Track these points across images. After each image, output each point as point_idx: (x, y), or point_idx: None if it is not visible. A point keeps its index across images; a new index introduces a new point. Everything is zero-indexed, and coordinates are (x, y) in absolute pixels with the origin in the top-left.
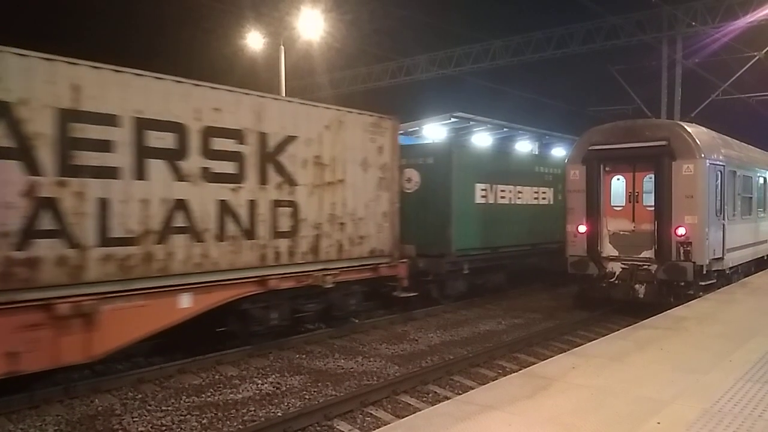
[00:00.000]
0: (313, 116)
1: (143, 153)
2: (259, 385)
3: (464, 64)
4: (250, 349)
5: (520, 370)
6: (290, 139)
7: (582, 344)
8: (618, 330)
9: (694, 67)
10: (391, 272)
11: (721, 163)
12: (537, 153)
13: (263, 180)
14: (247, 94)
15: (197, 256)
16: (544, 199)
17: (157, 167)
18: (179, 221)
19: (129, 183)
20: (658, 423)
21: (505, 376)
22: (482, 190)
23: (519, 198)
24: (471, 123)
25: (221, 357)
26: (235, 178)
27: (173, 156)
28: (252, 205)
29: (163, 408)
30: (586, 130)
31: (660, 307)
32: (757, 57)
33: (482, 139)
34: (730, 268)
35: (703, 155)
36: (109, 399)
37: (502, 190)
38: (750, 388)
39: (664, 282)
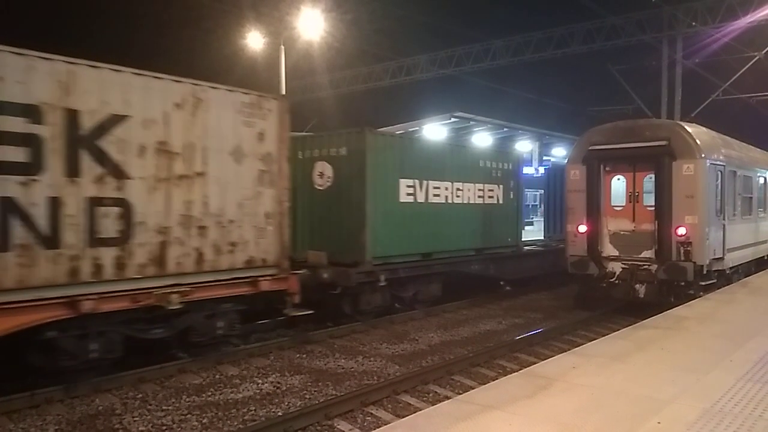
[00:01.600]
0: (156, 91)
1: None
2: (260, 385)
3: (464, 63)
4: (251, 349)
5: (521, 369)
6: (118, 119)
7: (582, 344)
8: (618, 330)
9: (694, 67)
10: (278, 286)
11: (721, 163)
12: (482, 145)
13: (73, 171)
14: (46, 58)
15: None
16: (491, 197)
17: None
18: None
19: None
20: (659, 423)
21: (505, 375)
22: (409, 187)
23: (458, 197)
24: (471, 123)
25: (221, 356)
26: (26, 169)
27: None
28: (54, 203)
29: (164, 407)
30: (587, 130)
31: (660, 307)
32: (757, 57)
33: (482, 138)
34: (731, 268)
35: (703, 155)
36: (109, 398)
37: (436, 187)
38: (750, 388)
39: (665, 282)
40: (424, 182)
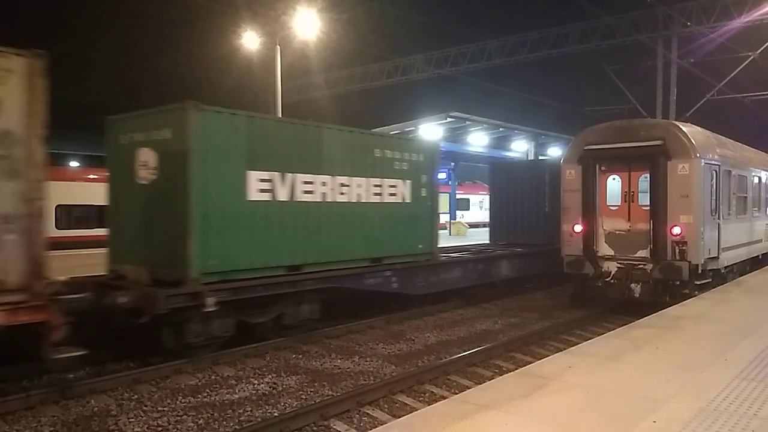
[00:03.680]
0: None
1: None
2: (256, 385)
3: (460, 63)
4: (247, 350)
5: (517, 369)
6: None
7: (578, 343)
8: (614, 329)
9: (689, 67)
10: (26, 318)
11: (716, 163)
12: (381, 132)
13: None
14: None
15: None
16: (393, 195)
17: None
18: None
19: None
20: (654, 422)
21: (501, 375)
22: (263, 181)
23: (343, 194)
24: (467, 123)
25: (217, 357)
26: None
27: None
28: None
29: (159, 408)
30: (582, 130)
31: (656, 307)
32: (751, 57)
33: (479, 138)
34: (726, 267)
35: (698, 155)
36: (105, 399)
37: (308, 182)
38: (745, 387)
39: (660, 281)
40: (289, 176)
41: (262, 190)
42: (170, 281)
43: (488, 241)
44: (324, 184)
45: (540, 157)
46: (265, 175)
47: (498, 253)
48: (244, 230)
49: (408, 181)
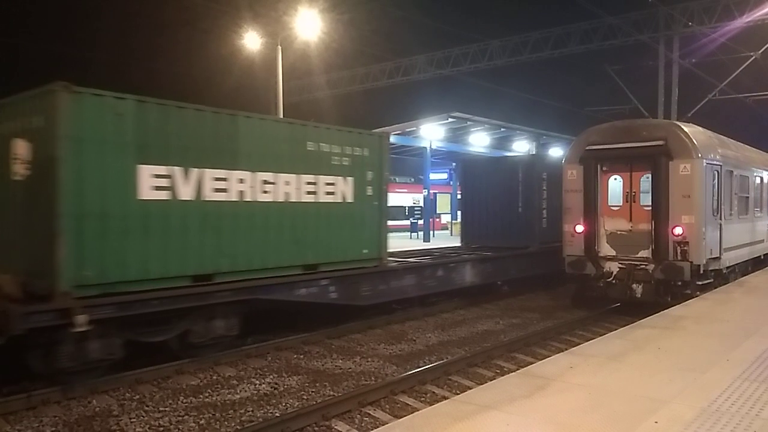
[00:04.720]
0: None
1: None
2: (257, 386)
3: (462, 64)
4: (248, 350)
5: (518, 369)
6: None
7: (580, 344)
8: (616, 329)
9: (690, 67)
10: None
11: (717, 163)
12: (312, 123)
13: None
14: None
15: None
16: (330, 194)
17: None
18: None
19: None
20: (656, 422)
21: (503, 375)
22: (159, 177)
23: (267, 192)
24: (468, 123)
25: (219, 357)
26: None
27: None
28: None
29: (161, 409)
30: (584, 130)
31: (657, 307)
32: (753, 57)
33: (480, 138)
34: (727, 267)
35: (699, 155)
36: (106, 400)
37: (221, 179)
38: (747, 387)
39: (662, 281)
40: (194, 171)
41: (158, 188)
42: (41, 295)
43: (459, 245)
44: (241, 181)
45: (509, 153)
46: (161, 169)
47: (461, 258)
48: (134, 234)
49: (350, 179)
